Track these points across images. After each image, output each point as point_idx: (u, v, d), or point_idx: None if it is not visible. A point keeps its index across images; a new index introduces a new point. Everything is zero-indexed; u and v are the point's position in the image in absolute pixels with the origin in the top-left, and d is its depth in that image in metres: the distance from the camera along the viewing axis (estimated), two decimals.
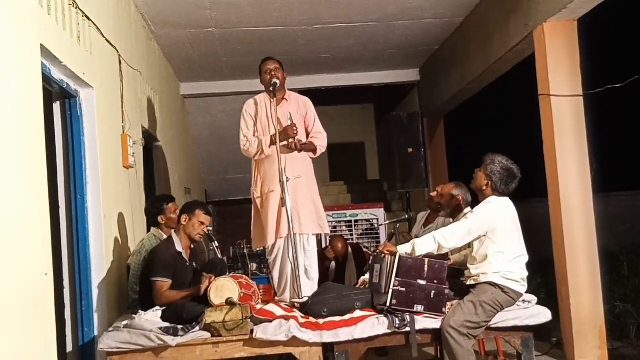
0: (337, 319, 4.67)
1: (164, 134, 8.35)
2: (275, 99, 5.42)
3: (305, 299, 5.04)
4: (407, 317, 4.56)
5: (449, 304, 4.72)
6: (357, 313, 4.71)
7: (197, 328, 4.47)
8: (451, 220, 5.61)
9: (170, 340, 4.35)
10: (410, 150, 9.35)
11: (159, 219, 5.63)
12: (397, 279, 4.60)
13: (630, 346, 6.36)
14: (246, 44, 8.66)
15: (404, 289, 4.60)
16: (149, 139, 7.55)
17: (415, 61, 10.49)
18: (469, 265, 4.90)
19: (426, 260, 4.68)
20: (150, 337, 4.36)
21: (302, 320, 4.63)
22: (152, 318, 4.60)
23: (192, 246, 5.16)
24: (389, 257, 4.75)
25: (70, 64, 4.51)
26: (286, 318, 4.60)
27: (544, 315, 4.76)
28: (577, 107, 6.06)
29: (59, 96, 4.94)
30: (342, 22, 8.14)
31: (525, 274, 4.80)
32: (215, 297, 4.61)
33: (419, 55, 10.11)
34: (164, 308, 4.71)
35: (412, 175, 9.34)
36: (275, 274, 5.50)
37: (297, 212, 5.35)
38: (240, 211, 12.97)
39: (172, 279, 4.81)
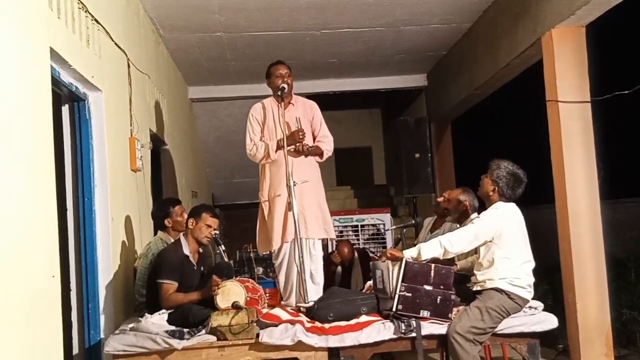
0: (343, 323, 4.66)
1: (172, 137, 8.37)
2: (282, 103, 5.43)
3: (311, 304, 5.04)
4: (413, 323, 4.56)
5: (455, 309, 4.71)
6: (363, 318, 4.71)
7: (203, 331, 4.48)
8: (458, 225, 5.60)
9: (176, 343, 4.36)
10: (417, 155, 9.34)
11: (166, 222, 5.64)
12: (403, 284, 4.59)
13: (636, 353, 6.34)
14: (254, 49, 8.68)
15: (410, 294, 4.59)
16: (157, 143, 7.57)
17: (422, 66, 10.48)
18: (475, 271, 4.89)
19: (432, 265, 4.67)
20: (156, 340, 4.36)
21: (308, 325, 4.63)
22: (158, 321, 4.60)
23: (201, 250, 5.17)
24: (389, 262, 4.74)
25: (79, 67, 4.53)
26: (292, 322, 4.60)
27: (550, 321, 4.75)
28: (584, 114, 6.05)
29: (67, 99, 4.96)
30: (350, 27, 8.15)
31: (532, 280, 4.79)
32: (222, 301, 4.61)
33: (427, 61, 10.11)
34: (170, 311, 4.71)
35: (419, 180, 9.33)
36: (281, 278, 5.50)
37: (304, 217, 5.36)
38: (247, 215, 12.97)
39: (178, 282, 4.81)
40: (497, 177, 4.86)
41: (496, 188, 4.87)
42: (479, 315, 4.59)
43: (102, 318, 4.98)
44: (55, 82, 4.33)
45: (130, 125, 5.95)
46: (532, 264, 4.83)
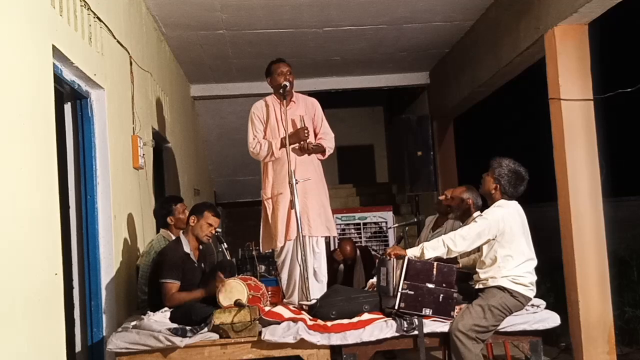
0: (345, 321, 4.66)
1: (174, 135, 8.37)
2: (284, 101, 5.43)
3: (313, 301, 5.03)
4: (415, 321, 4.56)
5: (457, 307, 4.72)
6: (366, 316, 4.71)
7: (206, 329, 4.48)
8: (460, 223, 5.60)
9: (179, 341, 4.37)
10: (419, 153, 9.35)
11: (168, 219, 5.64)
12: (405, 282, 4.59)
13: (639, 352, 6.33)
14: (256, 46, 8.68)
15: (412, 292, 4.59)
16: (159, 140, 7.57)
17: (425, 64, 10.48)
18: (477, 269, 4.89)
19: (435, 263, 4.67)
20: (158, 338, 4.37)
21: (311, 323, 4.63)
22: (160, 319, 4.61)
23: (201, 247, 5.17)
24: (394, 260, 4.74)
25: (82, 65, 4.53)
26: (294, 320, 4.60)
27: (552, 319, 4.75)
28: (587, 111, 6.04)
29: (70, 97, 4.96)
30: (353, 24, 8.15)
31: (534, 278, 4.79)
32: (224, 299, 4.61)
33: (429, 58, 10.10)
34: (172, 309, 4.71)
35: (421, 178, 9.33)
36: (284, 276, 5.50)
37: (307, 215, 5.36)
38: (249, 213, 12.97)
39: (181, 280, 4.82)
40: (499, 175, 4.86)
41: (498, 186, 4.87)
42: (481, 313, 4.59)
43: (105, 316, 4.98)
44: (58, 79, 4.33)
45: (133, 123, 5.95)
46: (535, 262, 4.83)
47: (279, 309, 4.84)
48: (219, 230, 5.54)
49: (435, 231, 6.17)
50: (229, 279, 4.76)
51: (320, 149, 5.56)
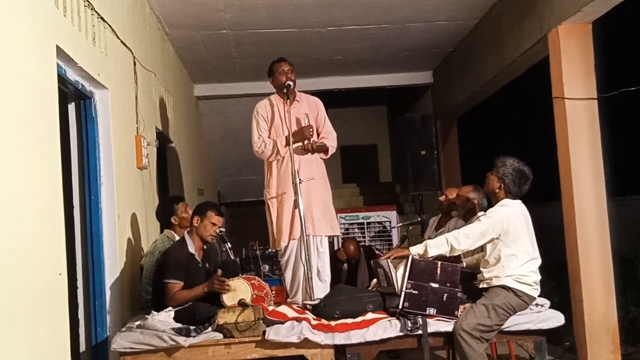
0: (349, 321, 4.66)
1: (178, 135, 8.38)
2: (288, 100, 5.43)
3: (317, 301, 5.03)
4: (419, 320, 4.56)
5: (461, 307, 4.71)
6: (369, 315, 4.71)
7: (210, 329, 4.49)
8: (463, 222, 5.59)
9: (183, 340, 4.37)
10: (423, 152, 9.34)
11: (172, 219, 5.63)
12: (409, 281, 4.59)
13: None
14: (260, 46, 8.69)
15: (416, 292, 4.59)
16: (163, 140, 7.57)
17: (428, 63, 10.48)
18: (481, 269, 4.89)
19: (439, 263, 4.67)
20: (162, 338, 4.37)
21: (314, 322, 4.62)
22: (164, 318, 4.61)
23: (205, 247, 5.17)
24: (388, 260, 4.75)
25: (86, 65, 4.54)
26: (298, 320, 4.60)
27: (556, 319, 4.74)
28: (591, 110, 6.04)
29: (74, 97, 4.97)
30: (356, 24, 8.15)
31: (538, 277, 4.79)
32: (228, 299, 4.62)
33: (433, 58, 10.10)
34: (176, 309, 4.72)
35: (424, 177, 9.32)
36: (288, 276, 5.50)
37: (311, 214, 5.36)
38: (253, 212, 12.98)
39: (184, 281, 4.82)
40: (502, 174, 4.86)
41: (502, 185, 4.87)
42: (485, 313, 4.59)
43: (109, 316, 4.99)
44: (62, 80, 4.33)
45: (137, 123, 5.95)
46: (539, 261, 4.83)
47: (283, 309, 4.84)
48: (223, 229, 5.54)
49: (439, 231, 6.17)
50: (233, 279, 4.77)
51: (323, 148, 5.56)
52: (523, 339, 4.83)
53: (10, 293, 3.12)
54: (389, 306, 4.78)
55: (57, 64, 4.05)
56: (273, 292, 5.33)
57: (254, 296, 4.73)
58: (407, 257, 4.68)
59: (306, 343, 4.50)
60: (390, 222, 9.60)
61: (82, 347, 4.91)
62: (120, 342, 4.41)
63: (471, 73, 8.92)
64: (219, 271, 4.82)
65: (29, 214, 3.41)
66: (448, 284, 4.64)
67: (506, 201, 4.85)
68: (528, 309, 4.73)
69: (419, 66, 10.59)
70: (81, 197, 5.02)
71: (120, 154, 5.34)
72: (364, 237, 9.54)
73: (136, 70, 6.02)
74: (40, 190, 3.60)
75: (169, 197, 6.26)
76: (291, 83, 5.44)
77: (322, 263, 5.48)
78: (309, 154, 5.45)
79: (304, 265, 5.27)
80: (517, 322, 4.68)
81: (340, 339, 4.52)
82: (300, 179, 5.20)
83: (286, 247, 5.42)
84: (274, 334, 4.48)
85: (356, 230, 9.64)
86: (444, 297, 4.62)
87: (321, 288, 5.36)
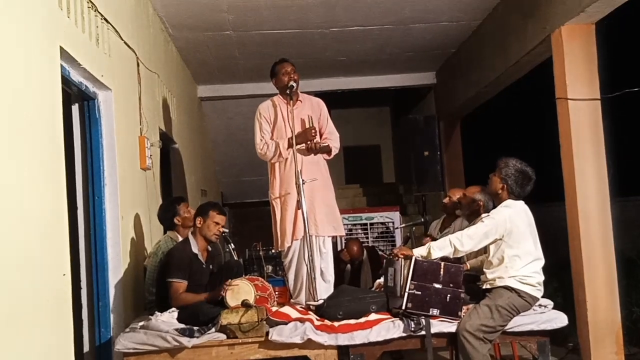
0: (352, 321, 4.66)
1: (181, 136, 8.39)
2: (291, 101, 5.43)
3: (320, 302, 5.04)
4: (423, 321, 4.56)
5: (464, 307, 4.71)
6: (373, 316, 4.71)
7: (213, 329, 4.49)
8: (468, 223, 5.59)
9: (186, 341, 4.37)
10: (426, 153, 9.35)
11: (175, 220, 5.64)
12: (412, 282, 4.59)
13: None
14: (263, 47, 8.69)
15: (419, 293, 4.59)
16: (166, 141, 7.58)
17: (431, 64, 10.47)
18: (485, 270, 4.89)
19: (442, 263, 4.67)
20: (166, 338, 4.38)
21: (318, 323, 4.63)
22: (168, 319, 4.62)
23: (209, 248, 5.18)
24: (402, 260, 4.74)
25: (89, 67, 4.55)
26: (301, 320, 4.60)
27: (560, 319, 4.74)
28: (594, 111, 6.03)
29: (77, 98, 4.98)
30: (359, 25, 8.15)
31: (542, 278, 4.79)
32: (231, 299, 4.62)
33: (436, 59, 10.10)
34: (180, 309, 4.72)
35: (428, 178, 9.33)
36: (291, 276, 5.50)
37: (314, 214, 5.36)
38: (256, 213, 13.01)
39: (188, 280, 4.83)
40: (505, 175, 4.86)
41: (505, 186, 4.87)
42: (488, 314, 4.58)
43: (112, 316, 5.00)
44: (65, 81, 4.35)
45: (140, 124, 5.96)
46: (542, 262, 4.83)
47: (286, 309, 4.84)
48: (227, 230, 5.54)
49: (443, 232, 6.17)
50: (236, 280, 4.78)
51: (326, 149, 5.56)
52: (526, 340, 4.83)
53: (14, 294, 3.13)
54: (392, 307, 4.78)
55: (61, 65, 4.06)
56: (276, 292, 5.33)
57: (258, 297, 4.73)
58: (410, 257, 4.68)
59: (309, 344, 4.50)
60: (393, 222, 9.62)
61: (86, 348, 4.92)
62: (124, 342, 4.42)
63: (474, 74, 8.91)
64: (229, 281, 4.82)
65: (32, 215, 3.42)
66: (451, 285, 4.63)
67: (509, 202, 4.85)
68: (531, 310, 4.73)
69: (422, 67, 10.58)
70: (85, 198, 5.03)
71: (124, 155, 5.35)
72: (367, 237, 9.55)
73: (139, 72, 6.03)
74: (44, 191, 3.61)
75: (170, 199, 6.26)
76: (294, 84, 5.44)
77: (325, 264, 5.48)
78: (312, 154, 5.45)
79: (307, 266, 5.27)
80: (520, 322, 4.68)
81: (343, 339, 4.52)
82: (303, 180, 5.20)
83: (289, 247, 5.42)
84: (277, 334, 4.49)
85: (359, 231, 9.65)
86: (447, 297, 4.62)
87: (324, 289, 5.35)
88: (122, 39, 5.51)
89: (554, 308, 4.83)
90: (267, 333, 4.51)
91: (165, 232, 5.80)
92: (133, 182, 5.62)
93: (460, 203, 5.78)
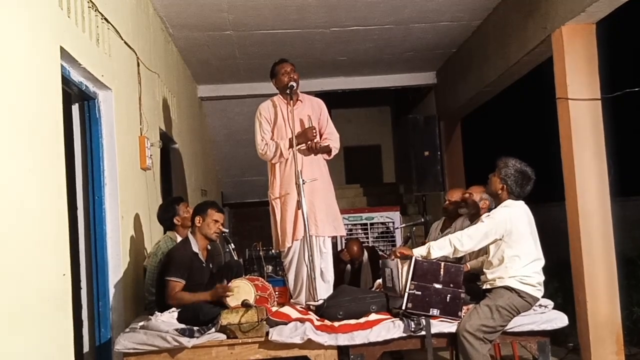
0: (352, 322, 4.66)
1: (181, 136, 8.39)
2: (291, 101, 5.43)
3: (320, 302, 5.04)
4: (423, 321, 4.56)
5: (465, 308, 4.71)
6: (373, 316, 4.71)
7: (213, 330, 4.49)
8: (469, 223, 5.59)
9: (186, 341, 4.37)
10: (426, 153, 9.35)
11: (175, 220, 5.64)
12: (412, 282, 4.59)
13: None
14: (263, 47, 8.69)
15: (419, 293, 4.59)
16: (166, 141, 7.58)
17: (432, 64, 10.46)
18: (485, 270, 4.88)
19: (442, 263, 4.67)
20: (166, 338, 4.38)
21: (318, 323, 4.63)
22: (168, 319, 4.62)
23: (209, 247, 5.18)
24: (398, 260, 4.74)
25: (89, 66, 4.55)
26: (302, 320, 4.60)
27: (560, 320, 4.74)
28: (595, 111, 6.03)
29: (77, 98, 4.98)
30: (360, 25, 8.14)
31: (542, 278, 4.78)
32: (231, 299, 4.63)
33: (436, 58, 10.09)
34: (180, 309, 4.72)
35: (428, 178, 9.33)
36: (291, 277, 5.50)
37: (314, 215, 5.36)
38: (256, 213, 13.03)
39: (186, 280, 4.82)
40: (505, 175, 4.86)
41: (505, 186, 4.87)
42: (489, 314, 4.58)
43: (112, 316, 5.00)
44: (66, 81, 4.35)
45: (140, 124, 5.96)
46: (542, 262, 4.83)
47: (286, 310, 4.85)
48: (227, 230, 5.54)
49: (444, 232, 6.16)
50: (236, 280, 4.78)
51: (326, 149, 5.56)
52: (526, 340, 4.82)
53: (14, 294, 3.13)
54: (393, 307, 4.78)
55: (61, 65, 4.07)
56: (276, 292, 5.33)
57: (258, 297, 4.73)
58: (410, 257, 4.68)
59: (309, 344, 4.50)
60: (393, 223, 9.61)
61: (86, 348, 4.92)
62: (124, 342, 4.42)
63: (475, 74, 8.91)
64: (225, 282, 4.82)
65: (33, 215, 3.42)
66: (451, 285, 4.63)
67: (509, 202, 4.85)
68: (532, 310, 4.72)
69: (423, 67, 10.57)
70: (85, 197, 5.03)
71: (124, 155, 5.35)
72: (367, 238, 9.55)
73: (140, 71, 6.03)
74: (44, 191, 3.61)
75: (169, 199, 6.26)
76: (294, 84, 5.44)
77: (325, 264, 5.47)
78: (312, 154, 5.45)
79: (307, 266, 5.27)
80: (520, 323, 4.68)
81: (343, 339, 4.52)
82: (303, 180, 5.20)
83: (289, 247, 5.42)
84: (277, 334, 4.49)
85: (359, 231, 9.65)
86: (448, 298, 4.62)
87: (324, 289, 5.35)
88: (123, 39, 5.51)
89: (554, 308, 4.83)
90: (267, 333, 4.51)
91: (165, 233, 5.80)
92: (133, 182, 5.62)
93: (466, 202, 5.76)
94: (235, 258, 5.99)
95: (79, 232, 4.95)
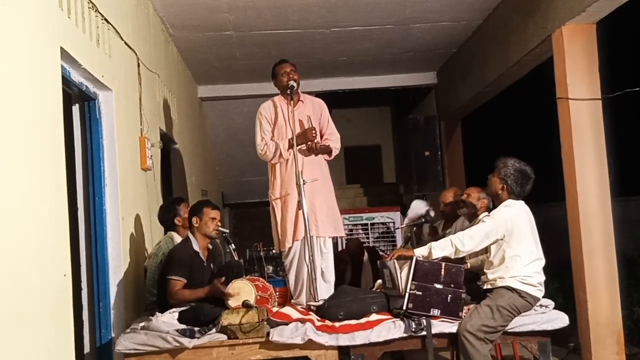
0: (353, 322, 4.66)
1: (182, 136, 8.39)
2: (292, 101, 5.43)
3: (321, 302, 5.04)
4: (424, 321, 4.55)
5: (465, 308, 4.71)
6: (374, 316, 4.70)
7: (214, 330, 4.49)
8: (469, 223, 5.59)
9: (187, 342, 4.37)
10: (427, 153, 9.36)
11: (176, 221, 5.63)
12: (413, 282, 4.59)
13: None
14: (264, 47, 8.69)
15: (420, 293, 4.58)
16: (167, 142, 7.58)
17: (432, 64, 10.46)
18: (485, 270, 4.88)
19: (443, 264, 4.66)
20: (166, 339, 4.38)
21: (318, 323, 4.62)
22: (169, 320, 4.62)
23: (210, 247, 5.19)
24: (395, 261, 4.74)
25: (90, 67, 4.55)
26: (302, 321, 4.60)
27: (561, 320, 4.73)
28: (595, 111, 6.03)
29: (78, 99, 4.98)
30: (360, 25, 8.14)
31: (543, 278, 4.78)
32: (232, 300, 4.63)
33: (437, 58, 10.09)
34: (181, 310, 4.72)
35: (428, 178, 9.35)
36: (292, 277, 5.50)
37: (315, 215, 5.36)
38: (257, 213, 13.03)
39: (187, 279, 4.83)
40: (504, 175, 4.86)
41: (504, 186, 4.87)
42: (489, 314, 4.58)
43: (113, 317, 5.00)
44: (66, 81, 4.35)
45: (140, 124, 5.96)
46: (543, 262, 4.82)
47: (287, 310, 4.85)
48: (227, 230, 5.54)
49: (445, 232, 6.15)
50: (237, 280, 4.78)
51: (327, 150, 5.56)
52: (527, 340, 4.83)
53: (14, 294, 3.13)
54: (393, 307, 4.78)
55: (62, 66, 4.07)
56: (277, 293, 5.33)
57: (258, 297, 4.73)
58: (411, 258, 4.67)
59: (310, 344, 4.50)
60: (394, 223, 9.61)
61: (87, 349, 4.92)
62: (125, 343, 4.42)
63: (475, 74, 8.91)
64: (223, 278, 4.82)
65: (33, 216, 3.42)
66: (452, 285, 4.63)
67: (509, 202, 4.85)
68: (532, 310, 4.72)
69: (423, 67, 10.57)
70: (85, 198, 5.03)
71: (124, 156, 5.35)
72: (367, 238, 9.54)
73: (140, 72, 6.03)
74: (45, 191, 3.61)
75: (170, 199, 6.26)
76: (294, 84, 5.44)
77: (325, 264, 5.47)
78: (313, 155, 5.45)
79: (307, 266, 5.27)
80: (521, 323, 4.67)
81: (344, 340, 4.52)
82: (304, 180, 5.20)
83: (290, 248, 5.42)
84: (278, 335, 4.49)
85: (360, 231, 9.65)
86: (448, 298, 4.62)
87: (325, 289, 5.35)
88: (123, 40, 5.51)
89: (554, 308, 4.83)
90: (268, 334, 4.50)
91: (165, 233, 5.80)
92: (134, 183, 5.62)
93: (465, 202, 5.76)
94: (236, 258, 5.99)
95: (79, 233, 4.94)
